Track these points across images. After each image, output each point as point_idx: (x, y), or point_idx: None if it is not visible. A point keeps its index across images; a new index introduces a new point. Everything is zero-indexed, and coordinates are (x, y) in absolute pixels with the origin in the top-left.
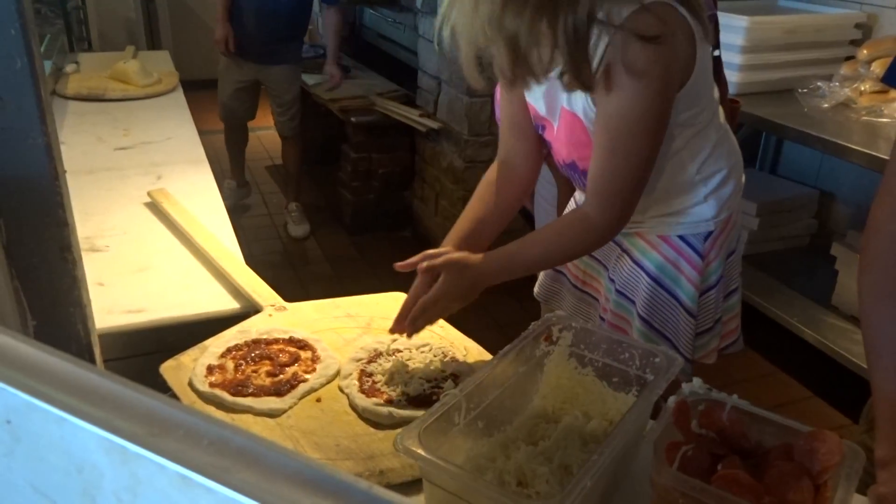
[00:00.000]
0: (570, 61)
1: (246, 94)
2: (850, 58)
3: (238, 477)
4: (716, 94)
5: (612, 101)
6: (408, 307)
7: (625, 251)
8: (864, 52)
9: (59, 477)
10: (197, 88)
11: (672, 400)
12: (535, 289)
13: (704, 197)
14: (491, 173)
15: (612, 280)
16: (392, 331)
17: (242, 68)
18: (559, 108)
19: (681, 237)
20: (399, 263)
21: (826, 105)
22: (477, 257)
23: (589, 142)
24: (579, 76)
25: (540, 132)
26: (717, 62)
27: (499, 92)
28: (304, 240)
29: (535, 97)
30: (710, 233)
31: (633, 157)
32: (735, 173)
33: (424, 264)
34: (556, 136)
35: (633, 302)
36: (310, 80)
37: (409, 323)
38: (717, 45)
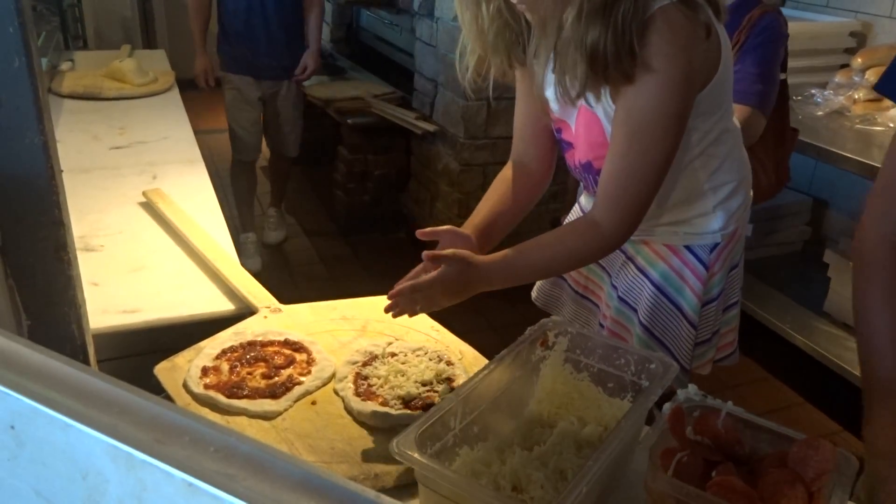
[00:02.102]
0: (614, 49)
1: (259, 118)
2: (844, 66)
3: (244, 485)
4: (732, 106)
5: (631, 95)
6: (401, 288)
7: (629, 258)
8: (858, 61)
9: (64, 483)
10: (193, 88)
11: (667, 406)
12: (534, 293)
13: (713, 208)
14: (506, 171)
15: (615, 287)
16: (386, 309)
17: (255, 92)
18: (578, 107)
19: (688, 247)
20: (422, 231)
21: (820, 113)
22: (481, 259)
23: (605, 142)
24: (618, 65)
25: (557, 135)
26: (784, 86)
27: None
28: (279, 244)
29: (550, 99)
30: (717, 245)
31: (649, 156)
32: (744, 186)
33: (430, 253)
34: (575, 136)
35: (635, 310)
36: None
37: (390, 298)
38: (784, 69)
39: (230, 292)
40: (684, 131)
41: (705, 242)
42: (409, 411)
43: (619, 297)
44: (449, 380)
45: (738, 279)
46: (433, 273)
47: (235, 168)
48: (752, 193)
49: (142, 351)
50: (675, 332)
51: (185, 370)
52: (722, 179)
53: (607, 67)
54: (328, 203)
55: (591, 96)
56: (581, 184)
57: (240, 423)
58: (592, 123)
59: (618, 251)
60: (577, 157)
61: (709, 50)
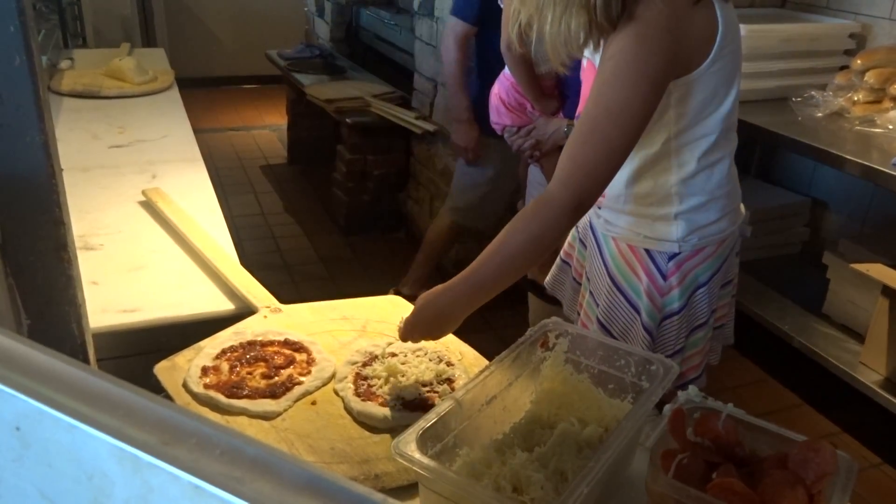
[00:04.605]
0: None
1: None
2: (843, 67)
3: (251, 487)
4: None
5: (611, 43)
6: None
7: (600, 251)
8: (857, 62)
9: (69, 484)
10: (192, 87)
11: (668, 408)
12: (547, 278)
13: (675, 215)
14: None
15: (589, 279)
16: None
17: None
18: (586, 59)
19: (647, 251)
20: None
21: (819, 114)
22: (445, 286)
23: None
24: (606, 9)
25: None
26: None
27: (493, 96)
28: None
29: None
30: (676, 255)
31: (613, 115)
32: (716, 206)
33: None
34: (582, 87)
35: (599, 305)
36: (305, 80)
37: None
38: None
39: (230, 292)
40: (655, 101)
41: (663, 249)
42: (408, 412)
43: (590, 291)
44: (449, 380)
45: (705, 301)
46: (407, 318)
47: (452, 231)
48: (736, 221)
49: (141, 350)
50: (631, 336)
51: (184, 370)
52: (692, 190)
53: (597, 13)
54: (327, 203)
55: (591, 47)
56: None
57: (240, 423)
58: (589, 74)
59: (594, 245)
60: (578, 108)
61: (701, 25)
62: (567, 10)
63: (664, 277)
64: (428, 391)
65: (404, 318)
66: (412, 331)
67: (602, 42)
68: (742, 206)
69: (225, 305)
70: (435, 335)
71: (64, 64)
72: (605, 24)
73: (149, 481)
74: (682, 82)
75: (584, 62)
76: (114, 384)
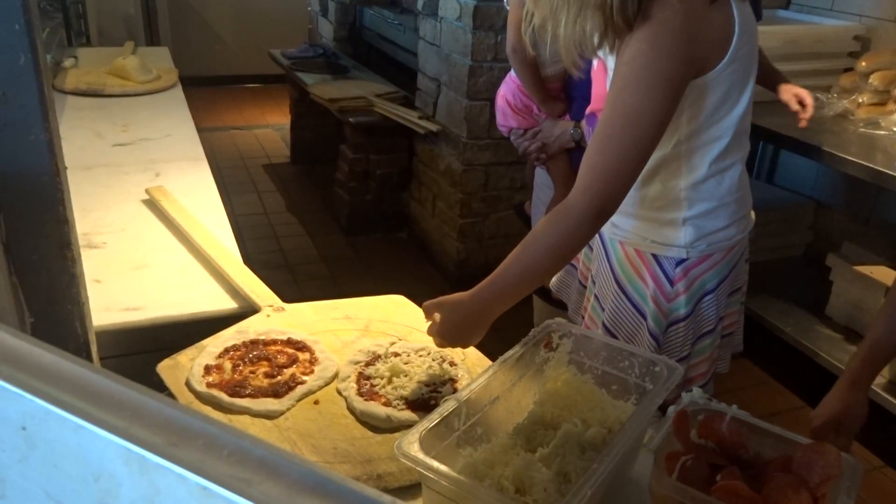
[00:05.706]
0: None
1: None
2: (848, 69)
3: (259, 489)
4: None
5: (627, 44)
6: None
7: (606, 255)
8: (862, 64)
9: (75, 485)
10: (196, 85)
11: (672, 409)
12: (552, 281)
13: (683, 220)
14: None
15: (594, 282)
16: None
17: None
18: (598, 58)
19: (655, 257)
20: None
21: (824, 116)
22: (468, 292)
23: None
24: (623, 10)
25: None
26: None
27: (499, 98)
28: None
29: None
30: (683, 260)
31: (631, 119)
32: (726, 215)
33: (426, 303)
34: (594, 85)
35: (604, 310)
36: (308, 79)
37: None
38: None
39: (233, 291)
40: (673, 104)
41: (670, 255)
42: (411, 412)
43: (595, 295)
44: (452, 381)
45: (714, 309)
46: (433, 325)
47: None
48: (746, 229)
49: (144, 349)
50: (637, 341)
51: (187, 368)
52: (702, 195)
53: (613, 14)
54: (330, 202)
55: (606, 48)
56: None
57: (242, 422)
58: (601, 73)
59: (601, 248)
60: (590, 107)
61: (717, 25)
62: (582, 11)
63: (671, 283)
64: (431, 391)
65: (434, 321)
66: (443, 334)
67: (617, 43)
68: (752, 213)
69: (228, 304)
70: (463, 339)
71: (68, 62)
72: (622, 25)
73: (156, 482)
74: (697, 83)
75: (595, 62)
76: (120, 384)
